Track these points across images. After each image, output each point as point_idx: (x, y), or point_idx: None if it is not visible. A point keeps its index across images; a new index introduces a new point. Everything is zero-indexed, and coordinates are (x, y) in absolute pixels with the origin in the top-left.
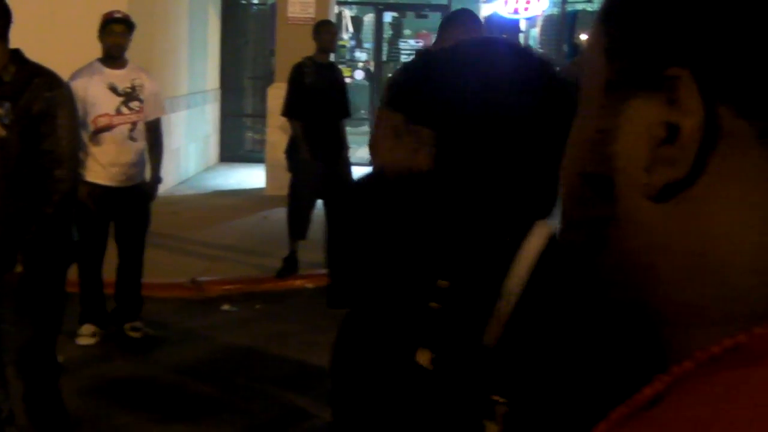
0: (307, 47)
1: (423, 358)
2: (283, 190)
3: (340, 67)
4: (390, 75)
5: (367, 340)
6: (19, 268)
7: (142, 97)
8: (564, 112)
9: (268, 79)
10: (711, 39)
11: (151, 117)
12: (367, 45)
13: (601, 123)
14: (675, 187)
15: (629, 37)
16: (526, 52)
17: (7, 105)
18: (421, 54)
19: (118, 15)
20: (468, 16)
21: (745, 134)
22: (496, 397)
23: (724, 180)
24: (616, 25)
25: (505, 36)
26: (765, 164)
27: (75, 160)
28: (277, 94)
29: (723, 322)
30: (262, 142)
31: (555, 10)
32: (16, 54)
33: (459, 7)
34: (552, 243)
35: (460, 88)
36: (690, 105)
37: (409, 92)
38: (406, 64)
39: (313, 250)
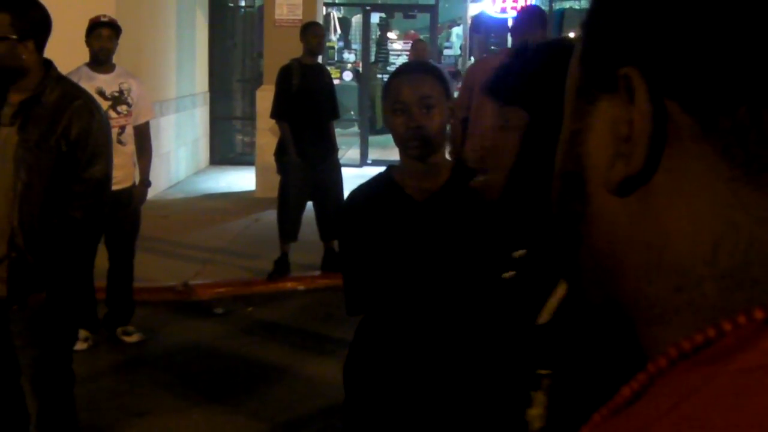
0: (295, 49)
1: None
2: (274, 193)
3: (328, 68)
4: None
5: (386, 345)
6: (44, 294)
7: (130, 100)
8: None
9: (257, 81)
10: (656, 38)
11: (140, 121)
12: (355, 46)
13: (574, 124)
14: (632, 182)
15: (593, 42)
16: None
17: (42, 128)
18: (517, 49)
19: (104, 19)
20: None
21: (692, 129)
22: (542, 371)
23: (676, 174)
24: (586, 32)
25: (493, 35)
26: (711, 158)
27: (106, 190)
28: (265, 97)
29: (689, 315)
30: (251, 145)
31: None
32: (51, 67)
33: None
34: None
35: (550, 76)
36: (639, 102)
37: (506, 79)
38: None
39: (304, 252)
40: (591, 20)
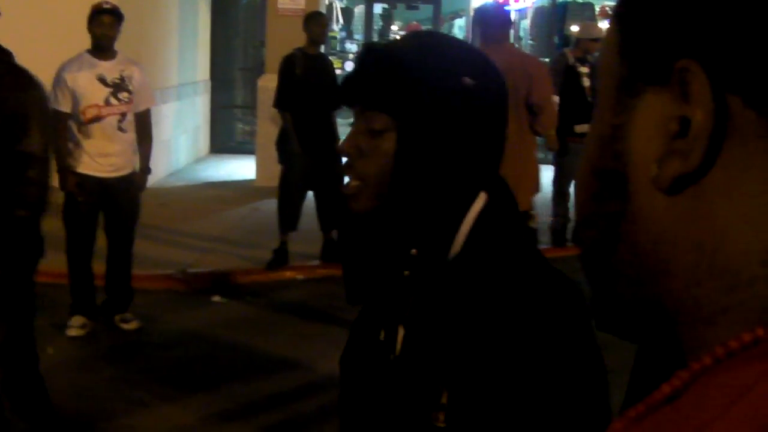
0: (297, 38)
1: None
2: (274, 182)
3: (331, 58)
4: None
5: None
6: None
7: (131, 88)
8: (502, 97)
9: (259, 70)
10: (718, 30)
11: (141, 108)
12: (358, 36)
13: (615, 119)
14: (686, 180)
15: (640, 33)
16: (466, 42)
17: None
18: (367, 47)
19: (107, 6)
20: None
21: (754, 124)
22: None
23: (735, 171)
24: (628, 23)
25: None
26: None
27: (47, 161)
28: (267, 86)
29: (738, 315)
30: (252, 134)
31: (545, 2)
32: None
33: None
34: (488, 209)
35: (416, 73)
36: (700, 96)
37: (366, 81)
38: (354, 59)
39: (303, 241)
40: (634, 10)
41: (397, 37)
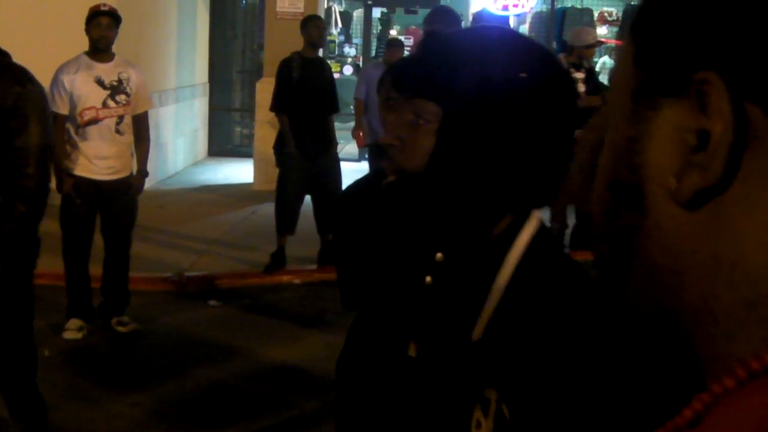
0: (295, 42)
1: (412, 349)
2: (271, 185)
3: (329, 62)
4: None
5: (368, 340)
6: None
7: (128, 90)
8: (566, 101)
9: (257, 73)
10: (737, 40)
11: (138, 110)
12: (356, 40)
13: (631, 131)
14: (706, 194)
15: (656, 44)
16: (528, 39)
17: None
18: (428, 32)
19: (104, 8)
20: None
21: None
22: (488, 392)
23: (755, 184)
24: (644, 34)
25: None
26: None
27: (46, 157)
28: (265, 89)
29: (758, 332)
30: (250, 137)
31: (544, 7)
32: None
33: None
34: (540, 237)
35: (461, 66)
36: (719, 108)
37: (413, 70)
38: (419, 42)
39: (301, 245)
40: (650, 19)
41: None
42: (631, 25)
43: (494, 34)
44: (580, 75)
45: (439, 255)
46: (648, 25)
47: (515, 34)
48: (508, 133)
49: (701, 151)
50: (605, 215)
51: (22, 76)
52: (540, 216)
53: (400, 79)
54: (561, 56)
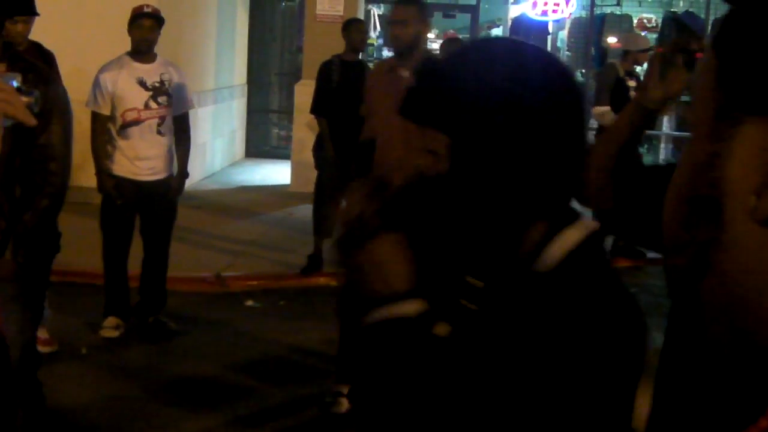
0: (334, 45)
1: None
2: (309, 187)
3: (369, 65)
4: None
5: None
6: (7, 255)
7: (170, 91)
8: (579, 111)
9: (296, 75)
10: None
11: (179, 111)
12: None
13: (711, 147)
14: None
15: (743, 62)
16: (546, 52)
17: (36, 93)
18: (429, 59)
19: (147, 9)
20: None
21: None
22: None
23: None
24: (729, 51)
25: (532, 38)
26: None
27: (68, 155)
28: (304, 91)
29: None
30: (288, 139)
31: (583, 13)
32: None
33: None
34: (591, 239)
35: (483, 85)
36: None
37: (416, 96)
38: (416, 70)
39: None
40: (734, 40)
41: (434, 46)
42: (714, 39)
43: (492, 51)
44: (632, 83)
45: (475, 281)
46: (733, 42)
47: (512, 48)
48: (516, 151)
49: None
50: (682, 228)
51: (46, 76)
52: (585, 225)
53: (405, 108)
54: (615, 62)
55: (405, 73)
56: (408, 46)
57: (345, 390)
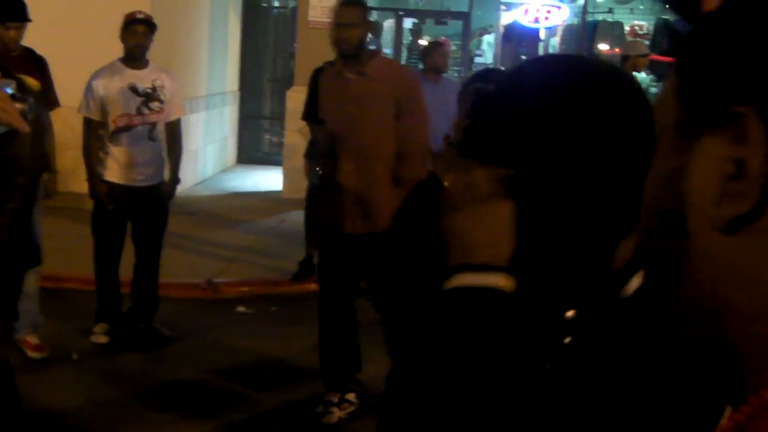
0: (327, 51)
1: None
2: (300, 193)
3: None
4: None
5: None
6: None
7: (162, 97)
8: (650, 123)
9: (288, 82)
10: None
11: (171, 117)
12: (387, 50)
13: (675, 161)
14: (743, 220)
15: (699, 79)
16: (606, 63)
17: (31, 100)
18: (481, 93)
19: (140, 15)
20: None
21: None
22: None
23: None
24: (688, 70)
25: (524, 45)
26: None
27: (37, 168)
28: (296, 97)
29: None
30: (280, 145)
31: (575, 20)
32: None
33: (478, 15)
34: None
35: (544, 112)
36: (755, 140)
37: (471, 138)
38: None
39: None
40: (693, 56)
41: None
42: (678, 59)
43: (548, 74)
44: None
45: (570, 313)
46: (692, 62)
47: (571, 64)
48: (588, 174)
49: (738, 179)
50: (653, 240)
51: (19, 88)
52: None
53: (464, 147)
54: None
55: (351, 76)
56: (355, 49)
57: (335, 399)
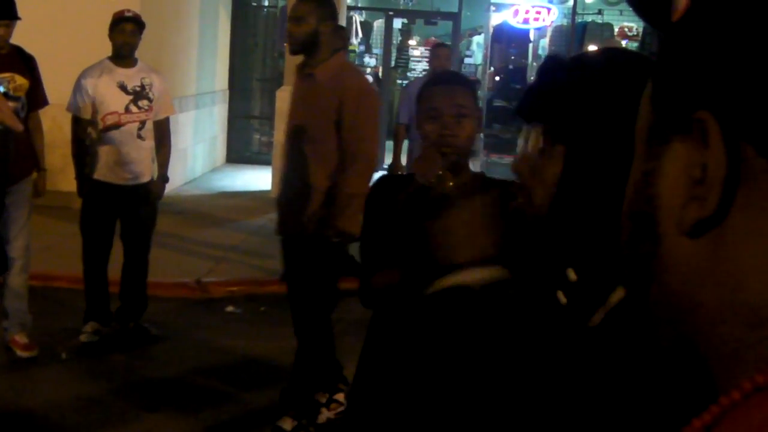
0: None
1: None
2: None
3: None
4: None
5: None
6: None
7: (151, 96)
8: None
9: (277, 81)
10: (732, 85)
11: (160, 116)
12: (377, 51)
13: (647, 165)
14: (706, 224)
15: (667, 85)
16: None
17: (23, 99)
18: (549, 57)
19: (128, 14)
20: None
21: (767, 172)
22: None
23: (753, 215)
24: (658, 76)
25: (513, 46)
26: None
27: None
28: (285, 97)
29: (762, 351)
30: (269, 145)
31: (564, 21)
32: None
33: (468, 15)
34: None
35: (589, 94)
36: (714, 146)
37: (539, 96)
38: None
39: None
40: (662, 64)
41: (416, 53)
42: (652, 68)
43: (618, 59)
44: None
45: (572, 275)
46: (661, 70)
47: (638, 56)
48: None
49: (702, 184)
50: (627, 242)
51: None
52: None
53: (522, 107)
54: None
55: (302, 76)
56: (302, 45)
57: (323, 399)
